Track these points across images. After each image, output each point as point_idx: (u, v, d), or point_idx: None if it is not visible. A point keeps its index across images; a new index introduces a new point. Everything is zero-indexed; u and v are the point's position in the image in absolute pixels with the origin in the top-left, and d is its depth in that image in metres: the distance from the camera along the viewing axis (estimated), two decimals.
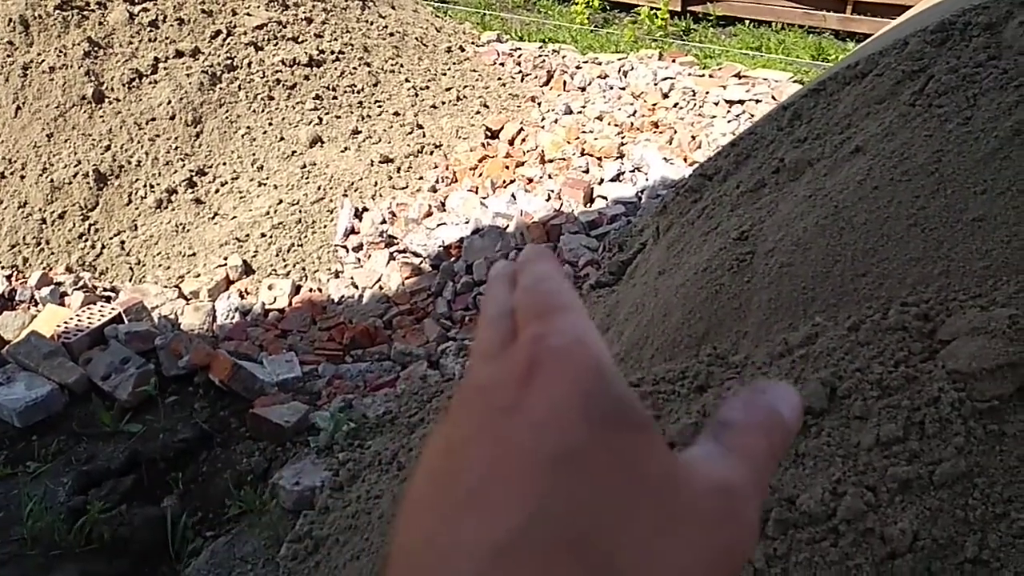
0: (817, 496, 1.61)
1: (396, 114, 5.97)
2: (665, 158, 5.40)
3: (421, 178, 5.48)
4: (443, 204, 5.25)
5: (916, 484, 1.56)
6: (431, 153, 5.67)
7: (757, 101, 6.27)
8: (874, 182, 2.12)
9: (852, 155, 2.27)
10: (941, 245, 1.92)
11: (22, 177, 4.89)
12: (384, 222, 5.09)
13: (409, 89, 6.24)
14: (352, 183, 5.27)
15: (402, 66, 6.44)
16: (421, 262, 4.80)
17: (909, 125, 2.18)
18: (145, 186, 5.03)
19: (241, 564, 2.88)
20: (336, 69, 6.04)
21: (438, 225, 5.01)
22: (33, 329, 3.93)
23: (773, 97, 6.23)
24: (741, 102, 6.31)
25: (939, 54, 2.29)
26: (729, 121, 6.01)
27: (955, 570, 1.48)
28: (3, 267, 4.63)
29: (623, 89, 6.90)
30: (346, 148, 5.53)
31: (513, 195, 5.18)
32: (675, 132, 5.91)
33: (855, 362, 1.80)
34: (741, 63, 7.38)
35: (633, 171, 5.39)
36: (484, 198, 5.24)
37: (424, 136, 5.84)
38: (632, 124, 6.13)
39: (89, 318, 4.00)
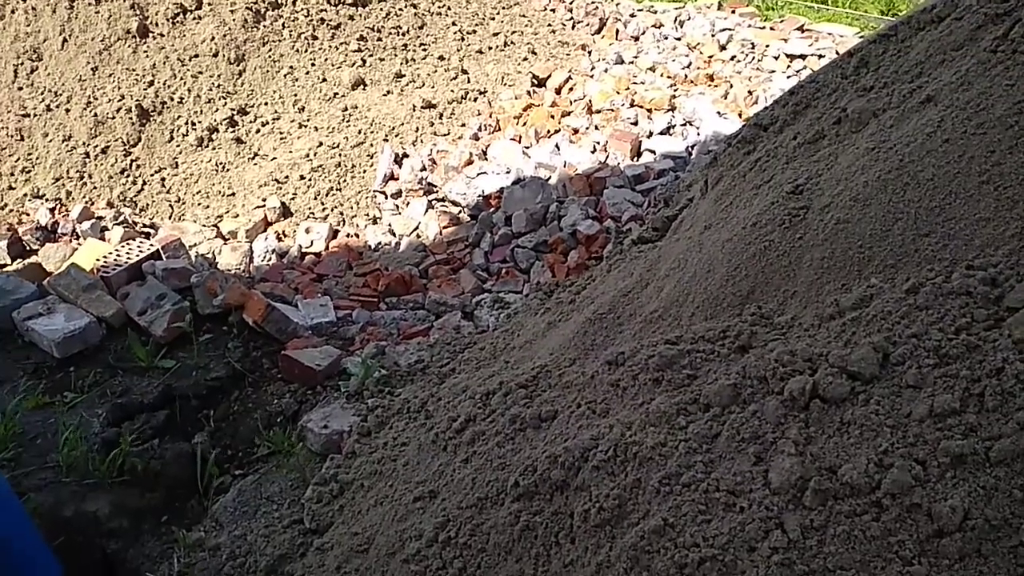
0: (861, 467, 1.50)
1: (441, 58, 5.83)
2: (719, 112, 5.19)
3: (463, 125, 5.36)
4: (484, 152, 5.13)
5: (971, 460, 1.44)
6: (475, 100, 5.53)
7: (820, 56, 5.98)
8: (945, 135, 1.95)
9: (922, 105, 2.09)
10: (1016, 205, 1.76)
11: (67, 110, 4.90)
12: (424, 169, 5.00)
13: (455, 33, 6.08)
14: (393, 128, 5.17)
15: (449, 8, 6.28)
16: (460, 211, 4.71)
17: (988, 73, 1.99)
18: (187, 123, 5.01)
19: (267, 503, 2.88)
20: (382, 10, 5.91)
21: (478, 174, 4.90)
22: (74, 262, 3.96)
23: (837, 52, 5.92)
24: (803, 57, 6.02)
25: None
26: (789, 76, 5.74)
27: (1008, 553, 1.37)
28: (47, 199, 4.67)
29: (678, 39, 6.64)
30: (388, 92, 5.43)
31: (557, 145, 5.03)
32: (731, 86, 5.67)
33: (912, 327, 1.67)
34: (805, 16, 7.03)
35: (684, 125, 5.18)
36: (527, 148, 5.11)
37: (468, 82, 5.70)
38: (686, 76, 5.90)
39: (128, 253, 4.02)
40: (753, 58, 6.13)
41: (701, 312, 2.19)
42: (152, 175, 4.84)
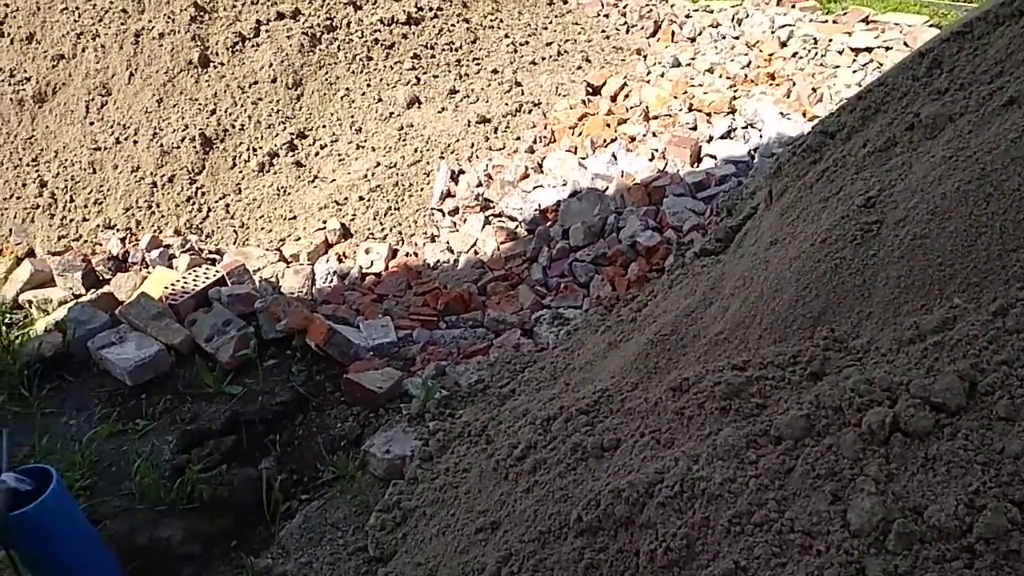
0: (950, 508, 1.40)
1: (494, 72, 5.81)
2: (782, 113, 5.02)
3: (518, 138, 5.32)
4: (540, 165, 5.08)
5: None
6: (529, 112, 5.49)
7: (887, 49, 5.73)
8: None
9: (1004, 108, 1.96)
10: None
11: (135, 142, 5.06)
12: (480, 185, 4.98)
13: (508, 45, 6.06)
14: (448, 144, 5.18)
15: (502, 21, 6.26)
16: (517, 226, 4.68)
17: None
18: (248, 149, 5.11)
19: (332, 530, 2.89)
20: (434, 27, 5.93)
21: (534, 188, 4.85)
22: (143, 291, 4.06)
23: (906, 44, 5.68)
24: (869, 50, 5.78)
25: None
26: (855, 71, 5.52)
27: None
28: (118, 229, 4.82)
29: (736, 39, 6.48)
30: (443, 108, 5.44)
31: (614, 155, 4.95)
32: (793, 84, 5.49)
33: (1001, 353, 1.55)
34: (869, 7, 6.77)
35: (746, 127, 5.04)
36: (583, 158, 5.04)
37: (523, 94, 5.66)
38: (746, 76, 5.74)
39: (195, 280, 4.11)
40: (816, 54, 5.93)
41: (769, 335, 2.09)
42: (216, 202, 4.96)
